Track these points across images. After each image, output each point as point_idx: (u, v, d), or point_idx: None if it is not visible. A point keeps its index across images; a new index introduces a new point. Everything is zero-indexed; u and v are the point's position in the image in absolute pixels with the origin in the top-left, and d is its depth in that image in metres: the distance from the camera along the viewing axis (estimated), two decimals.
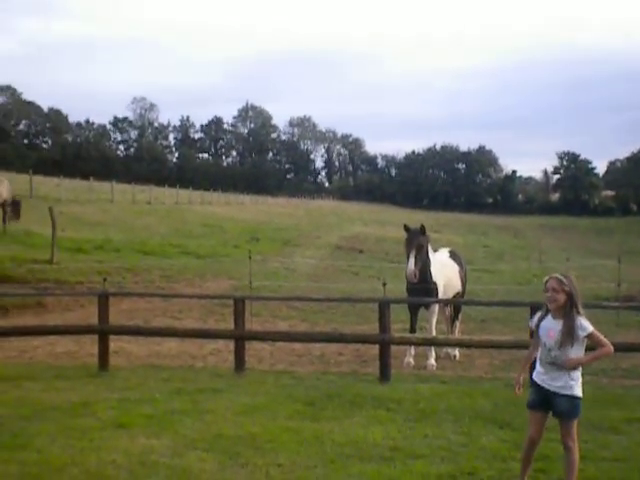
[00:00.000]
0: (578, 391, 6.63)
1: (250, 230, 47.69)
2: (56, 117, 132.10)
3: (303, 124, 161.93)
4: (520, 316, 20.42)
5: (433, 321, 14.81)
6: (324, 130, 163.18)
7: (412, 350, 14.50)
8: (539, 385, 6.76)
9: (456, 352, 15.47)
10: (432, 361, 14.38)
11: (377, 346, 13.07)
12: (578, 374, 6.63)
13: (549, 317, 6.67)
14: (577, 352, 6.53)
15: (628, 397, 11.38)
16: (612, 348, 6.59)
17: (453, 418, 9.81)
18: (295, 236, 48.37)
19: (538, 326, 6.76)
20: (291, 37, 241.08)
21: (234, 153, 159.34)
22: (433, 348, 14.51)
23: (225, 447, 8.36)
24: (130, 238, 34.67)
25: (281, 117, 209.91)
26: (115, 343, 14.64)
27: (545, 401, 6.74)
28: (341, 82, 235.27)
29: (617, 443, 8.81)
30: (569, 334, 6.48)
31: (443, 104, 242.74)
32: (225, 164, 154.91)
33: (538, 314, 6.88)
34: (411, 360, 14.39)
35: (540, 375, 6.77)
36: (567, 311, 6.53)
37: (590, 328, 6.52)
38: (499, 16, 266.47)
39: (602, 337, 6.60)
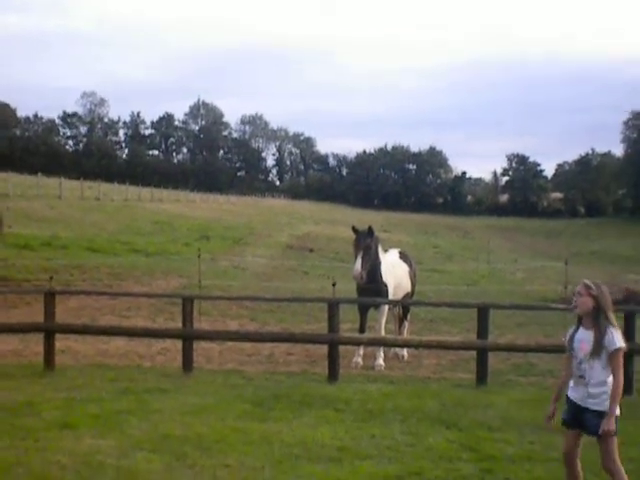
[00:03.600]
0: (614, 407, 6.28)
1: (200, 228, 47.48)
2: (4, 111, 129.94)
3: (255, 122, 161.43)
4: (468, 317, 20.57)
5: (382, 321, 14.89)
6: (276, 128, 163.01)
7: (361, 350, 14.55)
8: (572, 401, 6.56)
9: (404, 352, 15.55)
10: (380, 361, 14.43)
11: (326, 346, 13.11)
12: (622, 385, 6.31)
13: (581, 329, 6.47)
14: (605, 366, 6.30)
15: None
16: (622, 379, 6.27)
17: (401, 418, 9.88)
18: (246, 235, 48.27)
19: (572, 339, 6.55)
20: (243, 34, 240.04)
21: (185, 150, 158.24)
22: (382, 348, 14.57)
23: (172, 448, 8.32)
24: (78, 235, 34.30)
25: (233, 115, 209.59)
26: (61, 342, 14.48)
27: (578, 418, 6.49)
28: (293, 80, 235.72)
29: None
30: (598, 344, 6.27)
31: (395, 104, 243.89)
32: (175, 161, 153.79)
33: (572, 328, 6.64)
34: (359, 360, 14.43)
35: (572, 390, 6.58)
36: (597, 319, 6.32)
37: (617, 344, 6.25)
38: (449, 16, 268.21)
39: (622, 362, 6.31)
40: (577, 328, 6.54)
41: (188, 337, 13.02)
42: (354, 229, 14.68)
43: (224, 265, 31.17)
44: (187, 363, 12.91)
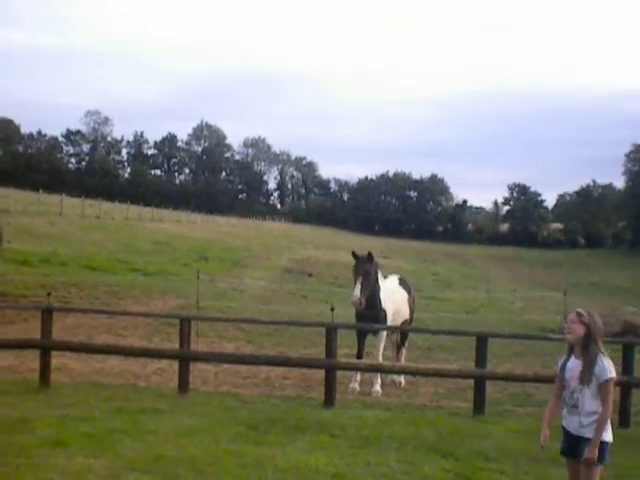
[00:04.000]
0: (603, 435, 6.31)
1: (200, 249, 47.44)
2: (7, 127, 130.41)
3: (257, 145, 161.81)
4: (466, 345, 20.50)
5: (381, 347, 14.83)
6: (278, 152, 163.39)
7: (357, 376, 14.49)
8: (567, 430, 6.56)
9: (401, 379, 15.48)
10: (377, 387, 14.36)
11: (322, 371, 13.04)
12: (609, 415, 6.34)
13: (572, 358, 6.51)
14: (595, 395, 6.31)
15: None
16: (610, 409, 6.31)
17: (397, 446, 9.79)
18: (245, 257, 48.22)
19: (563, 368, 6.58)
20: (250, 58, 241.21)
21: (187, 171, 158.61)
22: (379, 375, 14.51)
23: (165, 469, 8.23)
24: (77, 253, 34.27)
25: (236, 137, 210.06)
26: (57, 359, 14.41)
27: (574, 447, 6.47)
28: (297, 105, 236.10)
29: (558, 476, 8.83)
30: (588, 371, 6.29)
31: (397, 132, 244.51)
32: (177, 182, 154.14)
33: (563, 357, 6.68)
34: (356, 386, 14.36)
35: (566, 420, 6.58)
36: (587, 347, 6.35)
37: (608, 374, 6.26)
38: (453, 48, 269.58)
39: (612, 392, 6.35)
40: (568, 357, 6.59)
41: (185, 358, 12.96)
42: (354, 254, 14.65)
43: (222, 287, 31.10)
44: (183, 384, 12.83)
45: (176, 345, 13.72)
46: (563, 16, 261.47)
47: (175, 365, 14.14)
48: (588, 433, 6.33)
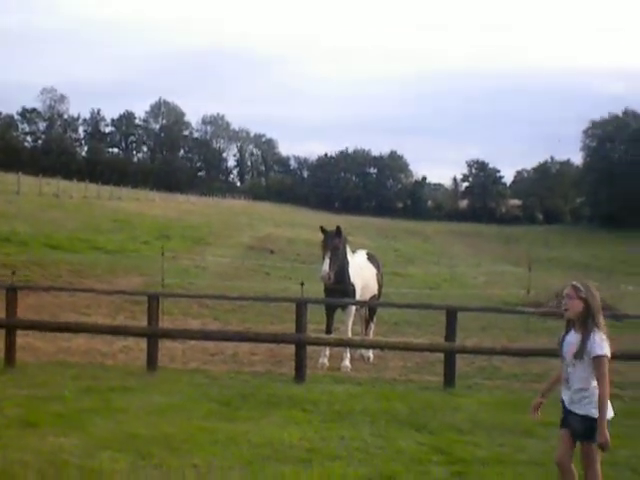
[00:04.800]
0: (595, 412, 6.14)
1: (160, 227, 46.96)
2: None
3: (216, 122, 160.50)
4: (433, 319, 20.65)
5: (349, 322, 14.80)
6: (237, 129, 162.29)
7: (327, 351, 14.46)
8: (563, 402, 6.45)
9: (370, 354, 15.48)
10: (347, 362, 14.34)
11: (290, 346, 13.00)
12: (608, 393, 6.14)
13: (572, 332, 6.35)
14: (587, 371, 6.19)
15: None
16: (607, 387, 6.09)
17: (369, 420, 9.79)
18: (206, 234, 47.87)
19: (562, 342, 6.43)
20: (209, 34, 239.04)
21: (145, 149, 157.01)
22: (348, 349, 14.48)
23: (138, 447, 8.15)
24: (37, 231, 33.68)
25: (194, 114, 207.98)
26: (22, 338, 14.13)
27: (567, 419, 6.38)
28: (256, 83, 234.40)
29: (533, 446, 8.92)
30: (582, 346, 6.15)
31: (357, 110, 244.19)
32: (135, 159, 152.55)
33: (563, 331, 6.49)
34: (325, 361, 14.33)
35: (563, 393, 6.47)
36: (585, 322, 6.20)
37: (599, 350, 6.09)
38: (416, 25, 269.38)
39: (606, 370, 6.12)
40: (567, 331, 6.43)
41: (153, 335, 12.82)
42: (322, 229, 14.55)
43: (185, 264, 30.86)
44: (152, 362, 12.71)
45: (141, 323, 13.60)
46: None
47: (141, 343, 14.03)
48: (577, 409, 6.27)
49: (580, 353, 6.18)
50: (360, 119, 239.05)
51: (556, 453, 6.53)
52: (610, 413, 6.19)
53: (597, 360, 6.12)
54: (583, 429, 6.21)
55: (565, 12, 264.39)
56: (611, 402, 6.24)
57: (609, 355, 6.16)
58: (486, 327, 20.73)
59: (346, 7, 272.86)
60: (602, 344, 6.14)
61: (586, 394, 6.23)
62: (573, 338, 6.31)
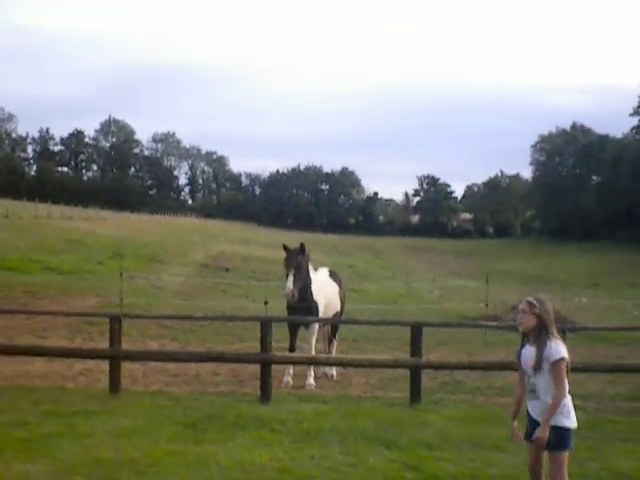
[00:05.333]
0: (564, 421, 6.27)
1: (113, 246, 46.50)
2: None
3: (167, 140, 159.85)
4: (391, 335, 20.72)
5: (313, 340, 14.75)
6: (188, 147, 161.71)
7: (291, 369, 14.39)
8: (530, 415, 6.53)
9: (334, 371, 15.44)
10: (311, 380, 14.29)
11: (253, 365, 12.90)
12: (565, 402, 6.31)
13: (527, 345, 6.50)
14: (549, 379, 6.29)
15: (506, 415, 11.53)
16: (564, 393, 6.26)
17: (338, 438, 9.71)
18: (160, 253, 47.52)
19: (519, 355, 6.59)
20: (158, 51, 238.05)
21: (95, 167, 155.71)
22: (312, 367, 14.43)
23: (106, 472, 7.99)
24: None
25: (145, 132, 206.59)
26: None
27: (534, 431, 6.42)
28: (206, 101, 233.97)
29: (503, 461, 8.92)
30: (540, 358, 6.28)
31: (307, 125, 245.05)
32: (85, 178, 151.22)
33: (519, 345, 6.65)
34: (290, 379, 14.26)
35: (529, 405, 6.55)
36: (539, 335, 6.35)
37: (557, 355, 6.24)
38: (363, 42, 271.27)
39: (564, 374, 6.29)
40: (523, 344, 6.58)
41: (116, 357, 12.62)
42: (285, 247, 14.51)
43: (141, 284, 30.56)
44: (114, 384, 12.50)
45: (99, 344, 13.40)
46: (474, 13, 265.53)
47: (102, 365, 13.81)
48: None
49: (538, 364, 6.30)
50: (311, 136, 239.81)
51: (529, 463, 6.64)
52: (574, 423, 6.34)
53: (555, 364, 6.26)
54: (554, 438, 6.25)
55: (516, 27, 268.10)
56: (575, 413, 6.38)
57: (567, 357, 6.31)
58: (444, 341, 20.81)
59: (295, 24, 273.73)
60: (558, 348, 6.30)
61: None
62: (529, 351, 6.46)
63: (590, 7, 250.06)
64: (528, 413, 6.59)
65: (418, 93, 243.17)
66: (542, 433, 6.19)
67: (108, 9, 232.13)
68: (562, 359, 6.26)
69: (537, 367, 6.32)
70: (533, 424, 6.47)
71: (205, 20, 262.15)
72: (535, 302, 6.41)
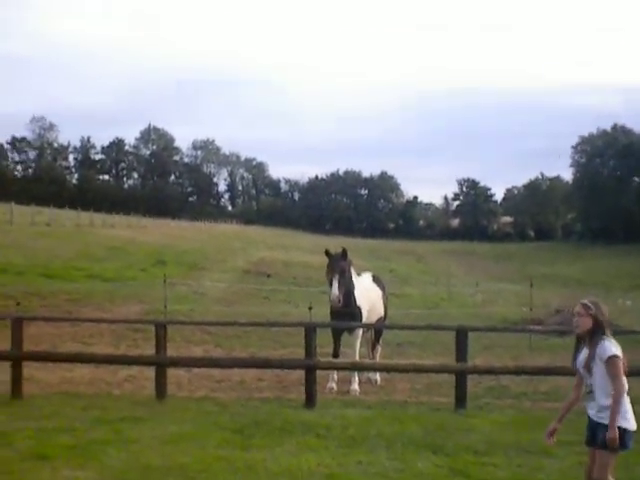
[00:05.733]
0: (621, 422, 6.26)
1: (155, 253, 46.80)
2: None
3: (207, 147, 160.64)
4: (435, 340, 20.61)
5: (357, 345, 14.70)
6: (227, 153, 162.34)
7: (335, 375, 14.37)
8: (589, 418, 6.54)
9: (377, 377, 15.40)
10: (355, 386, 14.25)
11: (297, 371, 12.90)
12: (623, 402, 6.29)
13: (583, 349, 6.53)
14: (604, 377, 6.31)
15: (553, 420, 11.44)
16: (622, 390, 6.24)
17: (385, 444, 9.70)
18: (201, 260, 47.76)
19: (575, 360, 6.62)
20: (196, 59, 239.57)
21: (135, 175, 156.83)
22: (356, 373, 14.40)
23: (155, 479, 8.06)
24: (32, 261, 33.54)
25: (184, 140, 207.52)
26: (25, 370, 14.03)
27: (594, 433, 6.46)
28: (246, 107, 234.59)
29: (550, 466, 8.86)
30: (592, 357, 6.34)
31: (345, 131, 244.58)
32: (126, 186, 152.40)
33: (575, 350, 6.67)
34: (334, 385, 14.24)
35: (588, 408, 6.56)
36: (593, 336, 6.39)
37: (610, 352, 6.27)
38: (398, 45, 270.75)
39: (621, 371, 6.29)
40: (579, 348, 6.59)
41: (162, 364, 12.70)
42: (327, 253, 14.48)
43: (183, 290, 30.73)
44: (160, 390, 12.58)
45: (144, 351, 13.48)
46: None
47: (146, 371, 13.91)
48: (605, 419, 6.30)
49: (590, 363, 6.36)
50: (349, 141, 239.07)
51: (587, 470, 6.61)
52: (632, 425, 6.34)
53: (609, 361, 6.27)
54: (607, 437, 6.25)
55: (551, 28, 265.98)
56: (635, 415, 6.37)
57: (620, 355, 6.31)
58: (488, 346, 20.62)
59: (330, 32, 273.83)
60: (611, 347, 6.32)
61: (611, 401, 6.28)
62: (584, 354, 6.48)
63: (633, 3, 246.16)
64: (588, 417, 6.57)
65: (456, 96, 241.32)
66: (611, 434, 6.17)
67: (145, 19, 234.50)
68: (615, 356, 6.27)
69: (588, 366, 6.36)
70: (592, 427, 6.47)
71: (240, 27, 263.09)
72: (590, 304, 6.45)
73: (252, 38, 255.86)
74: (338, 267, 13.95)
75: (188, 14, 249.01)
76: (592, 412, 6.47)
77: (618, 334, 14.58)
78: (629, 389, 6.40)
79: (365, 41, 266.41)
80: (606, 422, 6.26)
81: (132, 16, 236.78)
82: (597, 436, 6.37)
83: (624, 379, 6.30)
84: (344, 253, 14.23)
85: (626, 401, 6.33)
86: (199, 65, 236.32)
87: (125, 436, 9.82)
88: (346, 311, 14.14)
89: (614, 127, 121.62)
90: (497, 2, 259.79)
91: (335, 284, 13.76)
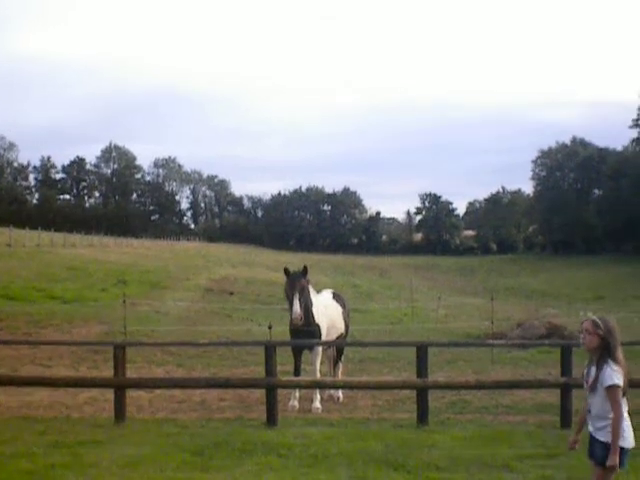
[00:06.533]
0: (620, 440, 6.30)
1: (116, 273, 46.36)
2: None
3: (168, 165, 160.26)
4: (397, 355, 20.62)
5: (317, 363, 14.64)
6: (190, 171, 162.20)
7: (297, 393, 14.30)
8: (589, 432, 6.58)
9: (340, 394, 15.34)
10: (317, 404, 14.18)
11: (259, 390, 12.79)
12: (621, 420, 6.31)
13: (593, 365, 6.54)
14: (603, 400, 6.35)
15: (515, 434, 11.50)
16: (620, 417, 6.28)
17: (347, 462, 9.64)
18: (163, 278, 47.41)
19: (584, 375, 6.65)
20: (157, 77, 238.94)
21: (97, 194, 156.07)
22: (318, 390, 14.35)
23: None
24: None
25: (145, 158, 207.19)
26: None
27: (593, 448, 6.53)
28: (206, 125, 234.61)
29: None
30: (595, 380, 6.38)
31: (307, 147, 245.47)
32: (88, 205, 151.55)
33: (587, 363, 6.69)
34: (296, 403, 14.16)
35: (589, 422, 6.61)
36: (600, 357, 6.40)
37: (610, 381, 6.28)
38: (357, 62, 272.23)
39: (620, 398, 6.33)
40: (590, 364, 6.63)
41: (121, 386, 12.55)
42: (286, 271, 14.44)
43: (144, 310, 30.47)
44: (120, 413, 12.42)
45: (104, 372, 13.30)
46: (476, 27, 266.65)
47: (107, 393, 13.73)
48: (600, 436, 6.41)
49: (594, 385, 6.41)
50: (311, 157, 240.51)
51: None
52: (629, 443, 6.39)
53: (608, 390, 6.31)
54: (603, 455, 6.33)
55: (512, 42, 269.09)
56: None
57: (620, 384, 6.32)
58: (451, 360, 20.70)
59: (286, 46, 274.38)
60: (612, 375, 6.32)
61: (606, 423, 6.37)
62: (592, 371, 6.52)
63: (589, 21, 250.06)
64: (590, 433, 6.63)
65: (416, 112, 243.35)
66: (612, 461, 6.24)
67: (103, 36, 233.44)
68: (614, 386, 6.30)
69: (592, 388, 6.44)
70: (592, 442, 6.54)
71: (199, 46, 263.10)
72: (600, 322, 6.41)
73: (214, 54, 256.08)
74: (298, 285, 13.91)
75: (146, 31, 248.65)
76: (591, 428, 6.56)
77: (577, 346, 14.72)
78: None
79: (331, 58, 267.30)
80: (602, 439, 6.37)
81: (91, 34, 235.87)
82: (595, 452, 6.47)
83: (623, 405, 6.37)
84: (304, 271, 14.20)
85: (626, 420, 6.41)
86: (159, 82, 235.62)
87: (84, 460, 9.66)
88: (305, 329, 14.09)
89: (573, 140, 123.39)
90: (458, 20, 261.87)
91: (296, 302, 13.70)
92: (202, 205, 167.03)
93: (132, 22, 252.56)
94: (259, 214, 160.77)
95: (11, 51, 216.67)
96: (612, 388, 6.30)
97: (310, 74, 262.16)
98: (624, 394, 6.40)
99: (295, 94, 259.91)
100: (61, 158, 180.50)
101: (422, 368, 12.39)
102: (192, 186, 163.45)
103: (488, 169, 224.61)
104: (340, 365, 16.24)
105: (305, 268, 14.32)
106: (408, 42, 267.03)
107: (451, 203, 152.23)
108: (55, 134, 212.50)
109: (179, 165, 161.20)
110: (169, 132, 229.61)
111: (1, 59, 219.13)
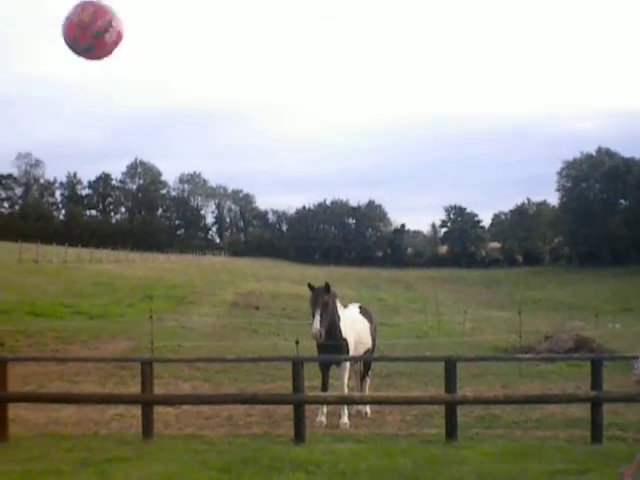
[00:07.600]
0: None
1: (143, 288, 46.64)
2: None
3: (193, 180, 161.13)
4: (424, 370, 20.49)
5: (345, 378, 14.56)
6: (215, 186, 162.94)
7: (324, 409, 14.23)
8: None
9: (367, 409, 15.26)
10: (345, 419, 14.10)
11: (286, 405, 12.73)
12: None
13: None
14: None
15: (545, 449, 11.36)
16: None
17: (375, 479, 9.55)
18: (189, 293, 47.62)
19: None
20: (182, 93, 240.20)
21: (123, 210, 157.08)
22: (346, 406, 14.26)
23: None
24: (19, 299, 33.36)
25: (171, 174, 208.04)
26: (10, 410, 13.84)
27: None
28: (230, 142, 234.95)
29: None
30: None
31: (332, 161, 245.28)
32: (114, 221, 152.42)
33: None
34: (324, 419, 14.09)
35: None
36: None
37: None
38: (383, 72, 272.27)
39: None
40: None
41: (148, 402, 12.54)
42: (310, 286, 14.38)
43: (171, 325, 30.57)
44: (147, 429, 12.40)
45: (131, 388, 13.29)
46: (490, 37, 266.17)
47: (134, 409, 13.72)
48: None
49: None
50: (336, 171, 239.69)
51: None
52: None
53: None
54: None
55: (527, 55, 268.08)
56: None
57: None
58: (478, 374, 20.55)
59: (308, 64, 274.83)
60: None
61: None
62: None
63: (609, 30, 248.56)
64: None
65: (442, 125, 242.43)
66: None
67: (129, 55, 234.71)
68: None
69: None
70: None
71: (223, 63, 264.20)
72: None
73: (237, 76, 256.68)
74: (320, 301, 13.84)
75: (171, 50, 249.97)
76: None
77: (607, 360, 14.56)
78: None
79: (346, 67, 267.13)
80: None
81: (115, 53, 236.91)
82: None
83: None
84: (327, 287, 14.13)
85: None
86: (183, 100, 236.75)
87: (111, 478, 9.63)
88: (332, 344, 14.04)
89: (599, 150, 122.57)
90: (478, 31, 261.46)
91: (317, 318, 13.63)
92: (227, 220, 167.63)
93: (154, 41, 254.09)
94: (284, 228, 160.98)
95: (35, 72, 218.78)
96: None
97: (327, 92, 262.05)
98: None
99: (318, 116, 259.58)
100: (87, 174, 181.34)
101: (450, 383, 12.28)
102: (217, 201, 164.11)
103: (513, 181, 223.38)
104: (368, 380, 16.16)
105: (327, 284, 14.25)
106: (427, 57, 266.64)
107: (476, 215, 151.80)
108: (81, 151, 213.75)
109: (204, 180, 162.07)
110: (193, 148, 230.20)
111: (25, 80, 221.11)
